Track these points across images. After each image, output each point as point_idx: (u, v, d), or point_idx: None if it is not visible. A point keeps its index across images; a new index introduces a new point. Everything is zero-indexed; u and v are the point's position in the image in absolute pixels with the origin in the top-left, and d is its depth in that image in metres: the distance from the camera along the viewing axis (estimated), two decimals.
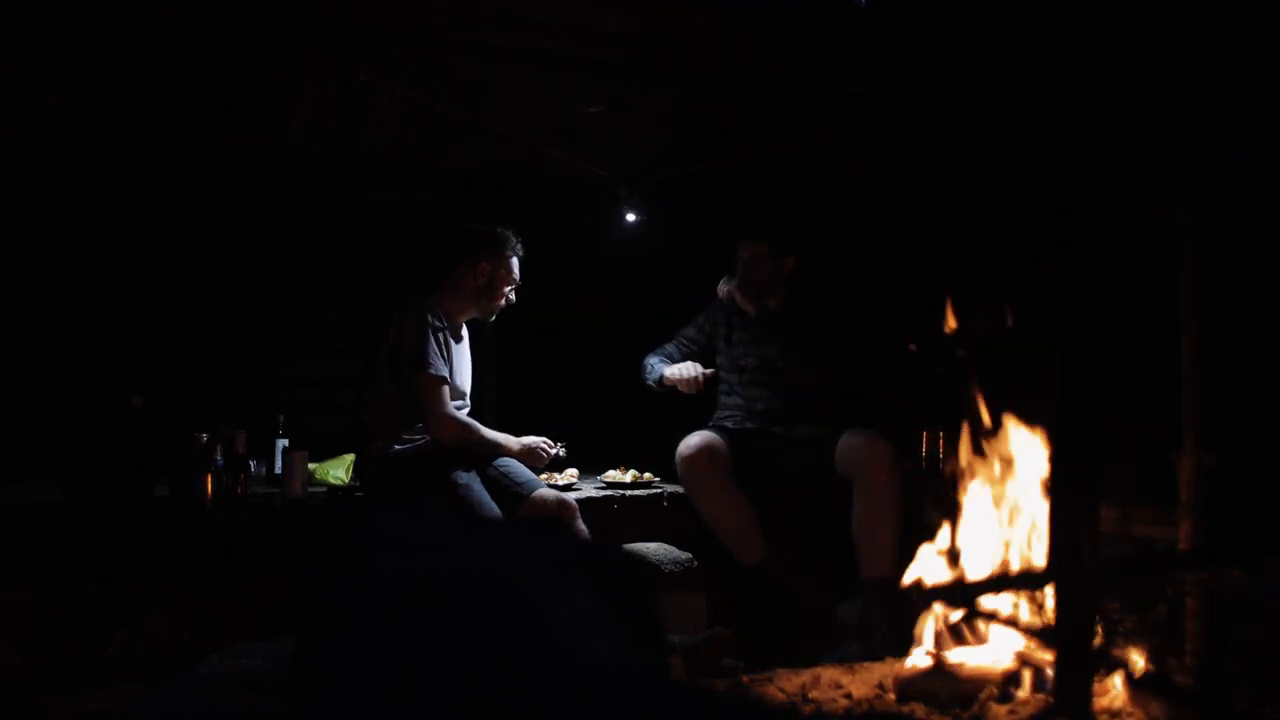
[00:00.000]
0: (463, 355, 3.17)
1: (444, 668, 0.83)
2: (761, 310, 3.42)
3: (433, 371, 2.89)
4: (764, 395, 3.34)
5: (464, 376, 3.16)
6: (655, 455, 3.39)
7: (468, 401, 3.21)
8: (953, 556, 2.06)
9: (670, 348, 3.57)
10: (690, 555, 3.14)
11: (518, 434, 3.09)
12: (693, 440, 3.20)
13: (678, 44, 2.52)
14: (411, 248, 4.00)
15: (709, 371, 3.33)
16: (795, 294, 3.43)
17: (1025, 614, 1.86)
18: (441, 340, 2.96)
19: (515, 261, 3.16)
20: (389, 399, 2.96)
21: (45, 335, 3.60)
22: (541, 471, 3.13)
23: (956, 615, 1.94)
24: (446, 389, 2.93)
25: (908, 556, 2.91)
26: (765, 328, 3.41)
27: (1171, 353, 1.92)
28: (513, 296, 3.18)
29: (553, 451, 3.13)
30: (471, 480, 2.87)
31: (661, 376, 3.38)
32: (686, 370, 3.32)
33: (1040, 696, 1.74)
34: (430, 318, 2.94)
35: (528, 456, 3.03)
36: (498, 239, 3.12)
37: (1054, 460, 1.66)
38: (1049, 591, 1.72)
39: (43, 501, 2.84)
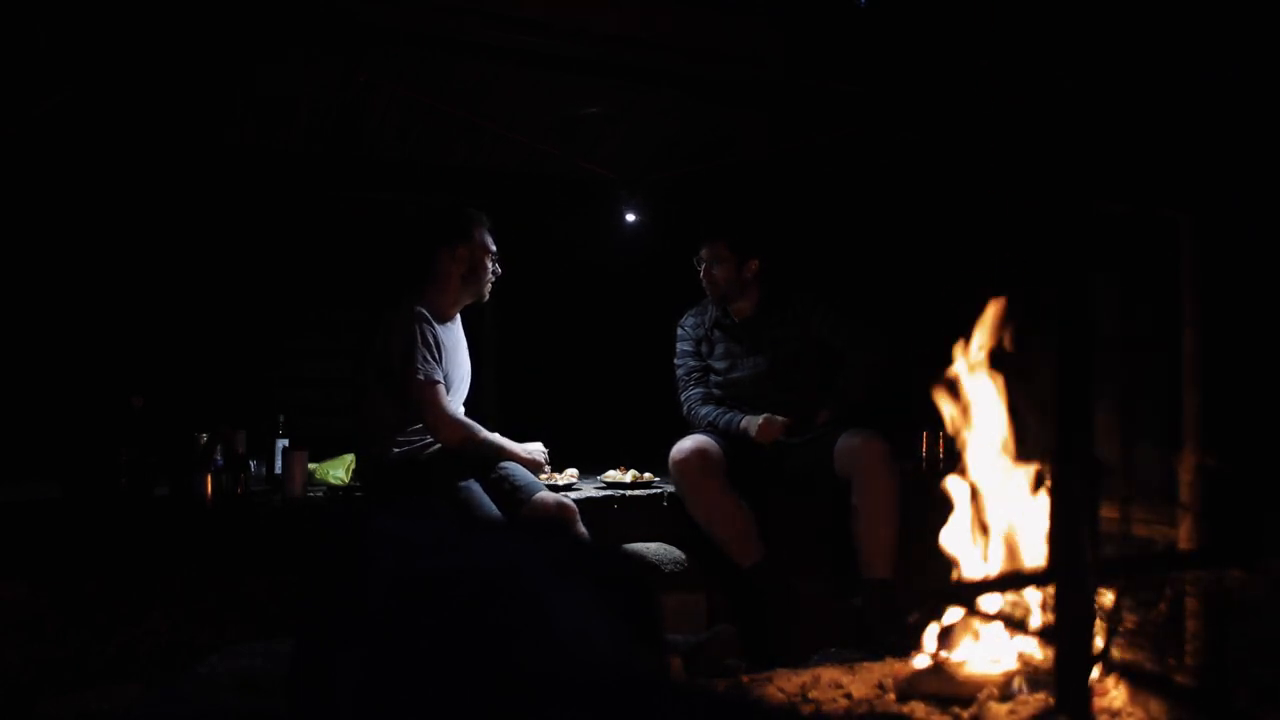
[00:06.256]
0: (457, 344, 3.13)
1: (444, 668, 0.83)
2: (742, 323, 3.41)
3: (422, 377, 2.86)
4: (759, 404, 3.32)
5: (461, 366, 3.12)
6: (655, 455, 3.39)
7: (466, 388, 3.19)
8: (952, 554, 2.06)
9: (697, 389, 3.45)
10: (690, 555, 3.14)
11: (519, 438, 3.09)
12: (685, 444, 3.18)
13: (678, 44, 2.52)
14: (397, 247, 3.99)
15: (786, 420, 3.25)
16: (770, 301, 3.40)
17: (1025, 614, 1.86)
18: (431, 341, 2.91)
19: (487, 234, 3.11)
20: (380, 405, 2.94)
21: (47, 335, 3.60)
22: (542, 470, 3.12)
23: (957, 615, 1.94)
24: (441, 390, 2.91)
25: (907, 556, 2.93)
26: (747, 340, 3.39)
27: (1172, 352, 1.92)
28: (498, 268, 3.14)
29: (546, 467, 3.14)
30: (471, 484, 2.86)
31: (738, 427, 3.26)
32: (773, 427, 3.22)
33: (1040, 696, 1.74)
34: (416, 322, 2.89)
35: (530, 464, 3.03)
36: (466, 217, 3.08)
37: (1054, 459, 1.66)
38: (1049, 591, 1.72)
39: (43, 500, 2.84)
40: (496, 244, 3.13)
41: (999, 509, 2.04)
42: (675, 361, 3.54)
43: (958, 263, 3.43)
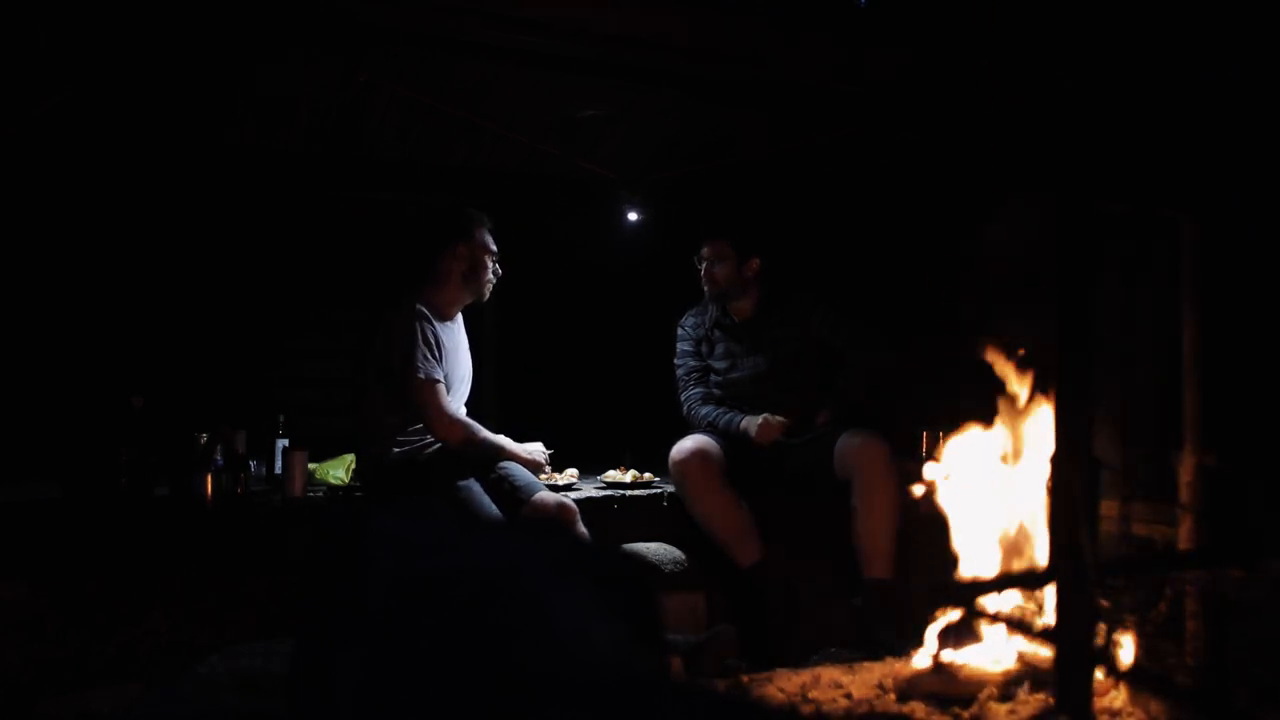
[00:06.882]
0: (458, 344, 3.13)
1: (444, 667, 0.83)
2: (742, 323, 3.41)
3: (422, 376, 2.85)
4: (759, 404, 3.32)
5: (461, 366, 3.12)
6: (655, 455, 3.39)
7: (467, 388, 3.18)
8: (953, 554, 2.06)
9: (698, 389, 3.46)
10: (690, 555, 3.14)
11: (519, 438, 3.09)
12: (686, 444, 3.18)
13: (678, 44, 2.52)
14: (397, 247, 4.00)
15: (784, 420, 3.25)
16: (770, 300, 3.40)
17: (1025, 614, 1.86)
18: (431, 340, 2.90)
19: (488, 234, 3.11)
20: (382, 402, 2.94)
21: (47, 335, 3.60)
22: (542, 470, 3.12)
23: (956, 615, 1.94)
24: (441, 389, 2.91)
25: (907, 556, 2.93)
26: (747, 340, 3.39)
27: (1172, 352, 1.92)
28: (498, 269, 3.13)
29: (547, 467, 3.14)
30: (471, 484, 2.86)
31: (738, 427, 3.25)
32: (771, 428, 3.22)
33: (1040, 696, 1.74)
34: (417, 321, 2.89)
35: (530, 464, 3.03)
36: (467, 217, 3.08)
37: (1054, 459, 1.66)
38: (1049, 591, 1.72)
39: (43, 500, 2.84)
40: (497, 244, 3.14)
41: (1001, 509, 2.04)
42: (675, 361, 3.54)
43: (957, 263, 3.43)
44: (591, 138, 3.52)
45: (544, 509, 2.81)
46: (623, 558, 1.84)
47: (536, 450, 3.09)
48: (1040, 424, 1.97)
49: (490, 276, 3.12)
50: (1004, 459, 2.06)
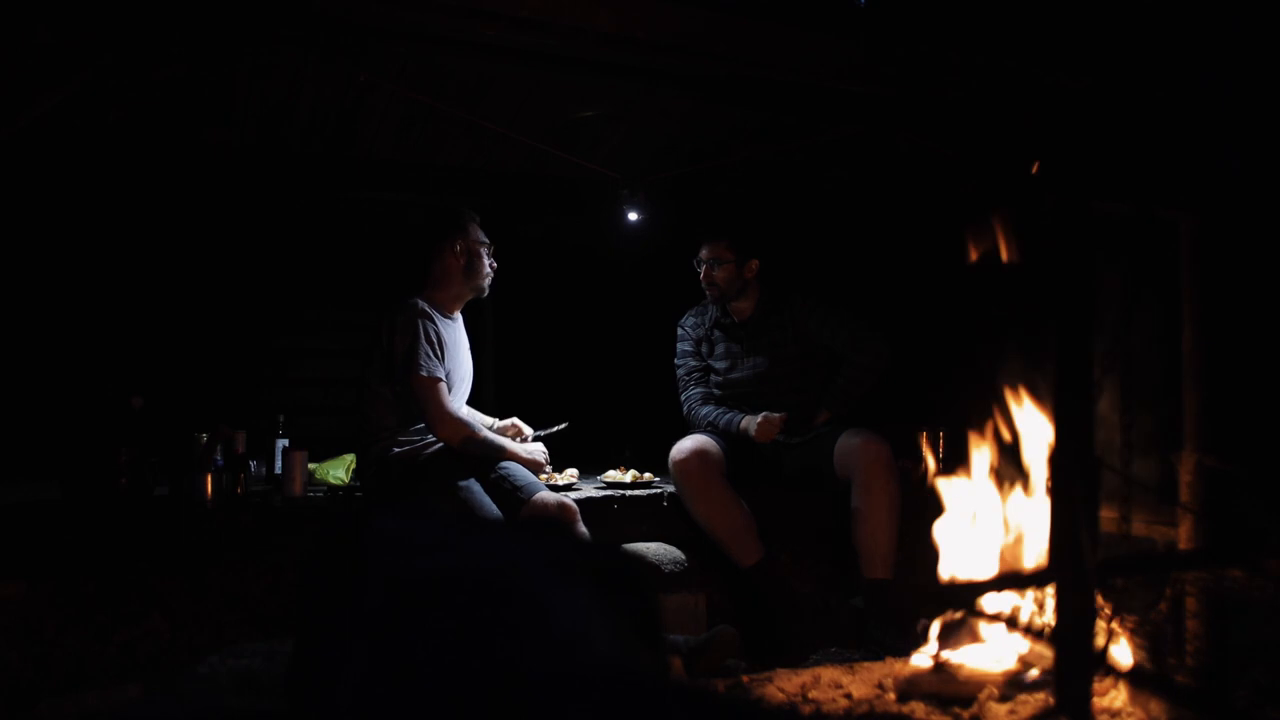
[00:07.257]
0: (459, 343, 3.15)
1: (443, 667, 0.83)
2: (742, 323, 3.41)
3: (424, 373, 2.87)
4: (759, 404, 3.32)
5: (462, 365, 3.14)
6: (655, 455, 3.39)
7: (468, 388, 3.20)
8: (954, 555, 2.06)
9: (698, 389, 3.47)
10: (690, 555, 3.14)
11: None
12: (685, 444, 3.18)
13: (678, 44, 2.52)
14: (397, 247, 4.00)
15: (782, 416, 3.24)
16: (770, 301, 3.40)
17: (1025, 614, 1.86)
18: (434, 338, 2.93)
19: (479, 228, 3.16)
20: (384, 402, 2.96)
21: (46, 335, 3.60)
22: (542, 470, 3.12)
23: (957, 615, 1.94)
24: (443, 387, 2.92)
25: (908, 556, 2.93)
26: (747, 340, 3.40)
27: (1172, 352, 1.92)
28: (494, 262, 3.17)
29: (547, 467, 3.14)
30: (471, 484, 2.86)
31: (739, 427, 3.25)
32: (770, 425, 3.21)
33: (1040, 696, 1.74)
34: (419, 319, 2.92)
35: (530, 464, 3.03)
36: (456, 214, 3.14)
37: (1054, 460, 1.66)
38: (1049, 591, 1.72)
39: (43, 501, 2.84)
40: (496, 243, 3.16)
41: (1000, 509, 2.04)
42: (675, 361, 3.55)
43: (957, 262, 3.43)
44: (592, 137, 3.52)
45: (544, 509, 2.81)
46: (623, 558, 1.84)
47: (536, 450, 3.10)
48: (1041, 424, 1.97)
49: (488, 270, 3.15)
50: (1005, 459, 2.06)
